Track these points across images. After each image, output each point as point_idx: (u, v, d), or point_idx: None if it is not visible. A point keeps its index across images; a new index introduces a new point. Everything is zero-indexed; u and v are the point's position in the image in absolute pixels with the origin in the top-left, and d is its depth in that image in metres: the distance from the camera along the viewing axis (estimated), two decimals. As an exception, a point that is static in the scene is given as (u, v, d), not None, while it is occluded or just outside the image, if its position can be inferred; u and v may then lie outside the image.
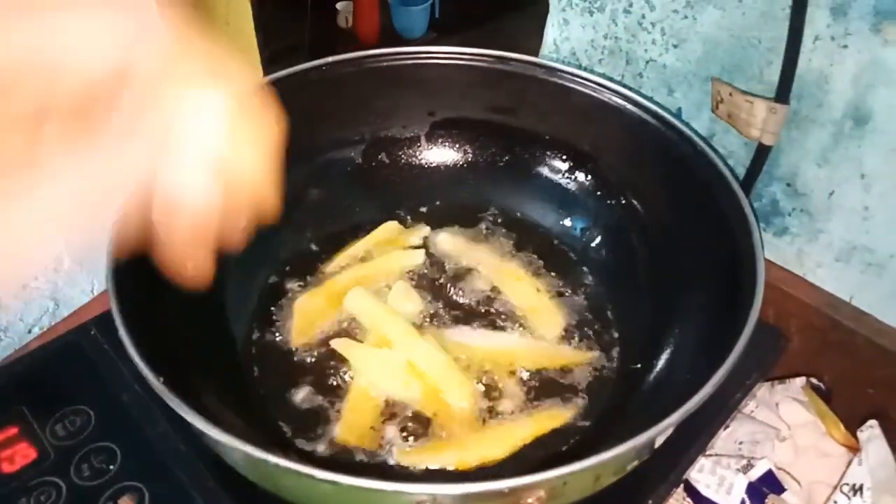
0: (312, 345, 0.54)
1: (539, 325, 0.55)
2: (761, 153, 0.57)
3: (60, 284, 0.59)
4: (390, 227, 0.63)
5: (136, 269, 0.43)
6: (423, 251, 0.61)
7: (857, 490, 0.48)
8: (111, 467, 0.46)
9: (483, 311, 0.57)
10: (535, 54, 0.75)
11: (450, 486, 0.32)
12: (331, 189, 0.63)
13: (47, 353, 0.53)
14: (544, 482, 0.32)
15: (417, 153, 0.66)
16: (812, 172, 0.58)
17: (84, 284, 0.61)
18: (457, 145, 0.66)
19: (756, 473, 0.51)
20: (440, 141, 0.66)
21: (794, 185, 0.60)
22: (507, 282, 0.58)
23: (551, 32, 0.73)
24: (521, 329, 0.55)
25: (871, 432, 0.50)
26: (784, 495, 0.53)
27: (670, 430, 0.39)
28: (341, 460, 0.46)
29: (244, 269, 0.57)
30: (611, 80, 0.57)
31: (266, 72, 0.81)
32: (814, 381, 0.61)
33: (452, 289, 0.58)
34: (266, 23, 0.77)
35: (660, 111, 0.54)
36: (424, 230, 0.63)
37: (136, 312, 0.40)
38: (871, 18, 0.49)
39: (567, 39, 0.72)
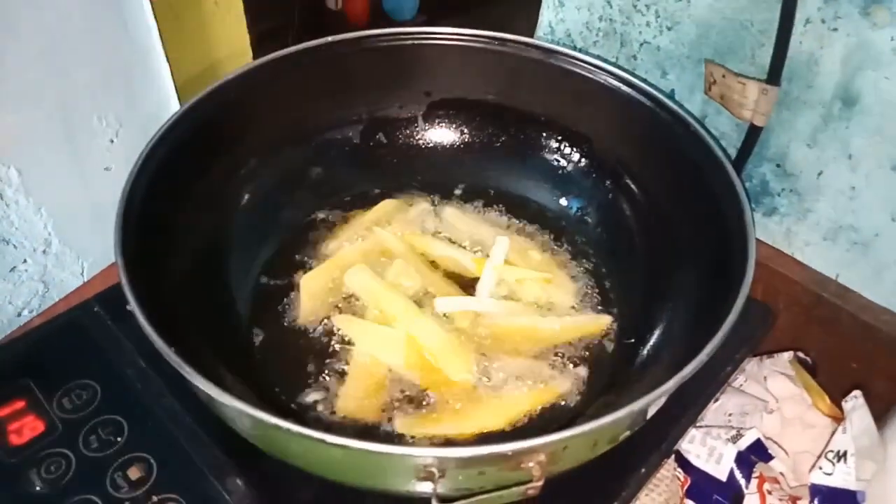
0: (316, 320, 0.55)
1: (553, 294, 0.57)
2: (752, 134, 0.59)
3: (49, 267, 0.59)
4: (391, 204, 0.64)
5: (141, 246, 0.45)
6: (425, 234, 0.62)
7: (841, 456, 0.50)
8: (119, 439, 0.47)
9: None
10: (528, 35, 0.76)
11: (456, 449, 0.34)
12: (330, 168, 0.64)
13: (52, 329, 0.54)
14: (546, 446, 0.33)
15: (415, 133, 0.67)
16: (801, 153, 0.59)
17: (73, 267, 0.61)
18: (454, 125, 0.67)
19: (745, 443, 0.53)
20: (437, 121, 0.67)
21: (784, 166, 0.61)
22: (517, 253, 0.59)
23: (547, 14, 0.73)
24: (531, 301, 0.57)
25: (855, 402, 0.52)
26: (771, 463, 0.54)
27: (663, 400, 0.41)
28: (347, 429, 0.48)
29: (247, 246, 0.57)
30: (605, 61, 0.58)
31: (255, 52, 0.81)
32: (800, 355, 0.63)
33: (458, 262, 0.59)
34: (255, 3, 0.77)
35: (654, 92, 0.56)
36: (424, 206, 0.64)
37: (143, 287, 0.41)
38: (861, 2, 0.50)
39: (562, 21, 0.72)
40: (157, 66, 0.61)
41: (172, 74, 0.62)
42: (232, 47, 0.77)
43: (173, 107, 0.64)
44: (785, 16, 0.51)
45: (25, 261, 0.57)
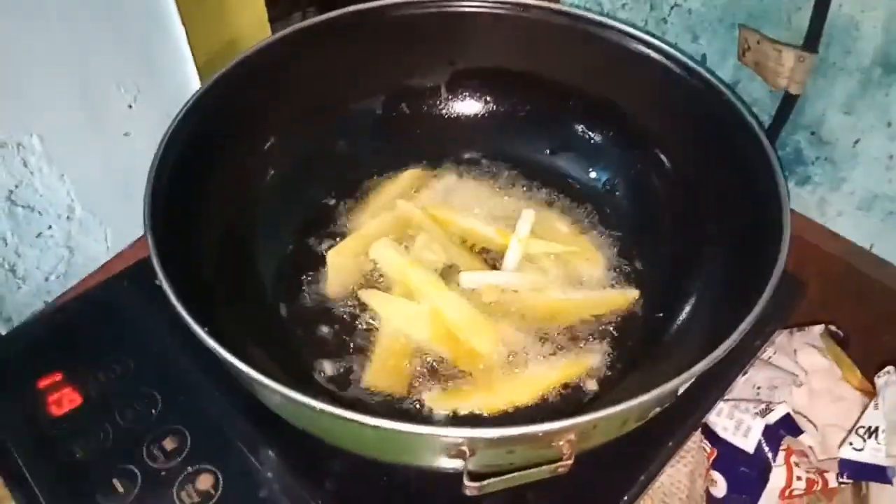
0: (343, 295, 0.55)
1: (580, 267, 0.56)
2: (787, 102, 0.57)
3: (73, 233, 0.60)
4: (415, 175, 0.64)
5: (169, 222, 0.45)
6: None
7: (872, 432, 0.49)
8: (153, 411, 0.49)
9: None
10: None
11: (485, 430, 0.34)
12: (354, 141, 0.64)
13: (86, 304, 0.55)
14: (576, 426, 0.34)
15: (438, 103, 0.66)
16: (837, 121, 0.58)
17: (97, 232, 0.62)
18: (477, 94, 0.66)
19: (774, 417, 0.53)
20: (461, 91, 0.66)
21: (819, 134, 0.60)
22: (543, 226, 0.59)
23: (573, -23, 0.71)
24: (558, 275, 0.56)
25: (888, 378, 0.51)
26: (800, 437, 0.54)
27: (693, 379, 0.40)
28: (374, 404, 0.48)
29: (273, 221, 0.58)
30: (634, 27, 0.57)
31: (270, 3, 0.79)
32: (832, 328, 0.62)
33: (483, 235, 0.59)
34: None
35: (684, 59, 0.54)
36: (449, 178, 0.64)
37: (172, 264, 0.41)
38: (905, -38, 0.48)
39: (589, -17, 0.71)
40: (174, 31, 0.61)
41: (189, 40, 0.62)
42: (250, 13, 0.76)
43: (190, 71, 0.64)
44: (825, -21, 0.49)
45: (50, 227, 0.58)
